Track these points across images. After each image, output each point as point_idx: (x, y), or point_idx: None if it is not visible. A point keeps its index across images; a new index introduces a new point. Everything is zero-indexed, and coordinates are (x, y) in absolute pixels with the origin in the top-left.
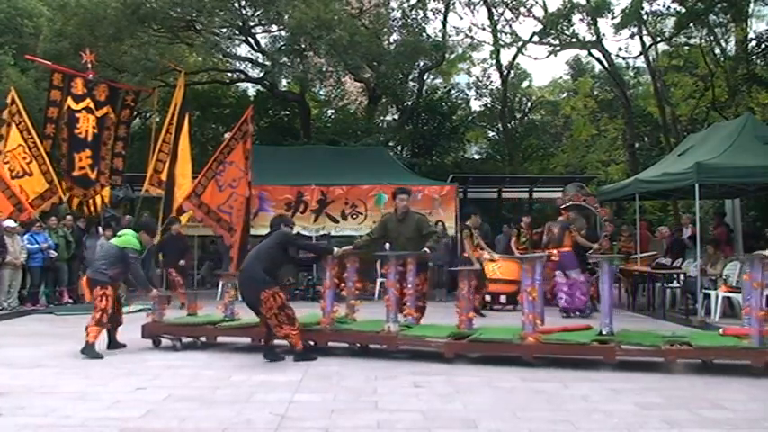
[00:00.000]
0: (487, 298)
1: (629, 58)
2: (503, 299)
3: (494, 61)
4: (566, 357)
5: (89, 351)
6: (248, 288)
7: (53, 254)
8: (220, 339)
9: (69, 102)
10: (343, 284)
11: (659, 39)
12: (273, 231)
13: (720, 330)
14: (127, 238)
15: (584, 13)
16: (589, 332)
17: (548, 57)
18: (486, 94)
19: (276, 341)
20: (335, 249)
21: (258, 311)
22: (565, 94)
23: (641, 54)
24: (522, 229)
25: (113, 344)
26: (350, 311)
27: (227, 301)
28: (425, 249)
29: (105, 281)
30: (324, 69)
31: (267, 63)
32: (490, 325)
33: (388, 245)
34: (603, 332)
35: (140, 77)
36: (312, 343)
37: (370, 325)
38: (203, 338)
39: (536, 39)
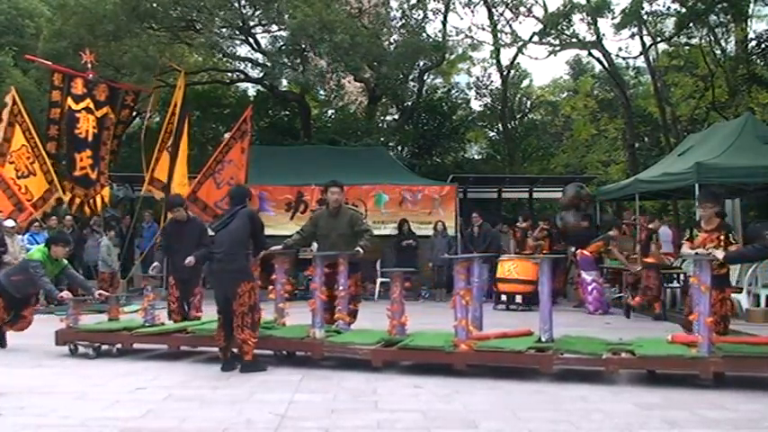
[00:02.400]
0: (503, 298)
1: (629, 58)
2: (518, 299)
3: (494, 61)
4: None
5: None
6: (227, 278)
7: None
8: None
9: (69, 102)
10: (271, 287)
11: (659, 39)
12: (239, 209)
13: (669, 337)
14: (32, 251)
15: (585, 13)
16: (529, 338)
17: (548, 57)
18: (487, 93)
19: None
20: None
21: (228, 307)
22: (565, 94)
23: (641, 54)
24: (518, 229)
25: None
26: (279, 316)
27: (147, 305)
28: (358, 249)
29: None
30: (324, 71)
31: (267, 63)
32: (425, 331)
33: (315, 244)
34: (543, 339)
35: (139, 74)
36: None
37: (295, 331)
38: (119, 346)
39: (536, 39)
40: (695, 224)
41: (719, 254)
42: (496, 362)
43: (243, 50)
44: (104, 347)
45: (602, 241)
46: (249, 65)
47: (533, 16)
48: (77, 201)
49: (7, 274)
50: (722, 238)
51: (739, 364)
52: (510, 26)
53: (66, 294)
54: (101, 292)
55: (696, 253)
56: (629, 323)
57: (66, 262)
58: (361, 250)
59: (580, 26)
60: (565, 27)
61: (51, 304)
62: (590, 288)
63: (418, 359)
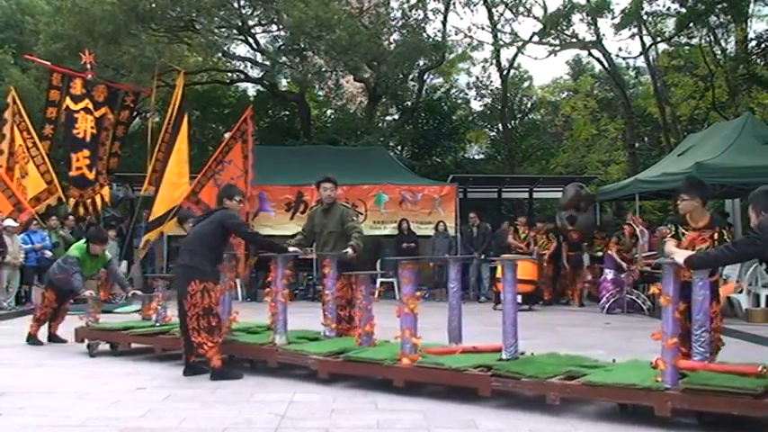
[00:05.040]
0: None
1: (629, 58)
2: (518, 299)
3: (494, 61)
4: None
5: (31, 340)
6: (180, 273)
7: (48, 254)
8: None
9: (68, 102)
10: (267, 289)
11: (659, 39)
12: (214, 210)
13: (653, 360)
14: (72, 247)
15: (584, 13)
16: (490, 355)
17: (548, 57)
18: (487, 94)
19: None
20: (292, 249)
21: (182, 307)
22: (565, 94)
23: (641, 54)
24: (519, 226)
25: (54, 338)
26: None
27: (157, 305)
28: (347, 250)
29: (50, 282)
30: (323, 70)
31: (267, 63)
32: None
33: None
34: (504, 356)
35: (136, 74)
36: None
37: (260, 336)
38: (119, 345)
39: (536, 39)
40: (682, 221)
41: (679, 257)
42: (436, 379)
43: (242, 50)
44: (104, 347)
45: (611, 239)
46: (249, 65)
47: (533, 16)
48: (72, 201)
49: (54, 272)
50: (715, 237)
51: (701, 401)
52: (510, 26)
53: (89, 293)
54: (135, 291)
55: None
56: (630, 324)
57: (110, 256)
58: (350, 251)
59: (580, 26)
60: (565, 27)
61: None
62: (600, 286)
63: (361, 372)
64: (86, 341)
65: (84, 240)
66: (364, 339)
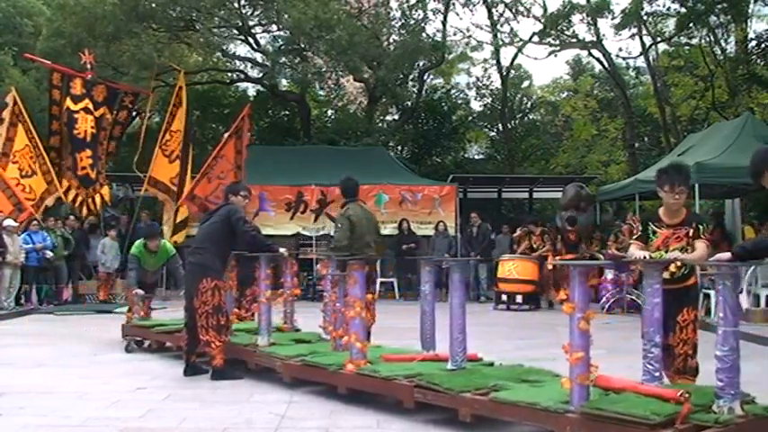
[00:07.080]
0: (503, 298)
1: (629, 58)
2: (519, 299)
3: (494, 61)
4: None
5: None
6: (189, 271)
7: (49, 254)
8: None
9: (68, 102)
10: (280, 290)
11: (659, 39)
12: (221, 205)
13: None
14: (133, 246)
15: (585, 14)
16: (432, 364)
17: (548, 57)
18: (487, 94)
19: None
20: (282, 250)
21: (191, 305)
22: (565, 94)
23: (641, 54)
24: (534, 235)
25: None
26: (287, 320)
27: None
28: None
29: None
30: (323, 71)
31: (267, 63)
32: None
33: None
34: (449, 366)
35: (135, 72)
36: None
37: (245, 337)
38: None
39: (536, 39)
40: (653, 218)
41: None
42: (371, 388)
43: (242, 50)
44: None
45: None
46: (249, 65)
47: (533, 16)
48: (79, 200)
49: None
50: (690, 234)
51: (598, 427)
52: (510, 26)
53: (136, 291)
54: None
55: (650, 257)
56: (629, 323)
57: (173, 251)
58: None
59: (580, 26)
60: (565, 27)
61: (51, 304)
62: (600, 286)
63: (313, 377)
64: (128, 338)
65: (143, 239)
66: (338, 343)
